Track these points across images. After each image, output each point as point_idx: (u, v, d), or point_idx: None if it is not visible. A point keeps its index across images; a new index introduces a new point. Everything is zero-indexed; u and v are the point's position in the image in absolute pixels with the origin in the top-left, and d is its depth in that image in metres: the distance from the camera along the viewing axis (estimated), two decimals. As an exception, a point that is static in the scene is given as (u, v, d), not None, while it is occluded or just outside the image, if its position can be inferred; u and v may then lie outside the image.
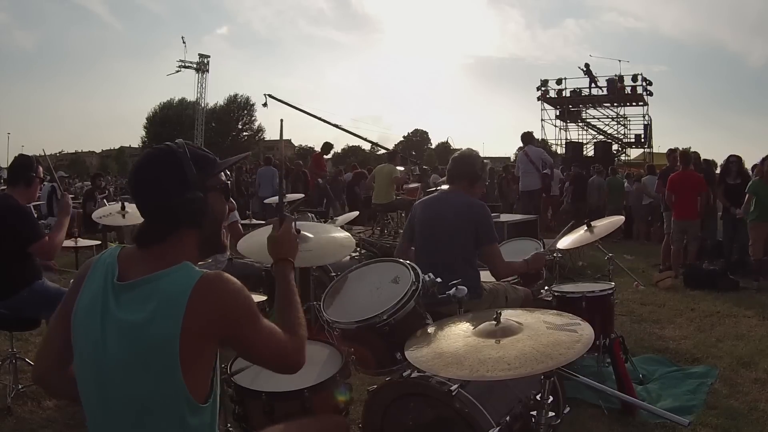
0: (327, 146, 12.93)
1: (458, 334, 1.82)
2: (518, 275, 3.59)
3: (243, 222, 5.69)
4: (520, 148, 9.38)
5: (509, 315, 1.81)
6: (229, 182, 1.55)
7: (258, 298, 3.43)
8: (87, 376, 1.34)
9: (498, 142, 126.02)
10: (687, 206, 7.17)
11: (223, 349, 1.40)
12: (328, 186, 13.00)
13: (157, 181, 1.38)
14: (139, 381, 1.27)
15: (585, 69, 24.30)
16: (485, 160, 3.35)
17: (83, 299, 1.36)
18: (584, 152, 22.53)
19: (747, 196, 6.66)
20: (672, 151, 9.59)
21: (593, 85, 24.34)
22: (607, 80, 24.17)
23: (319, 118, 15.34)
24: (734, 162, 7.54)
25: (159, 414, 1.28)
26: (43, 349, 1.53)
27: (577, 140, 25.18)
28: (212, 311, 1.28)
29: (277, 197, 6.31)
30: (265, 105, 13.63)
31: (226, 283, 1.32)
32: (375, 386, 2.17)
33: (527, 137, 9.36)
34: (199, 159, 1.42)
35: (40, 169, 3.58)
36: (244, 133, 54.16)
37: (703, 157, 8.93)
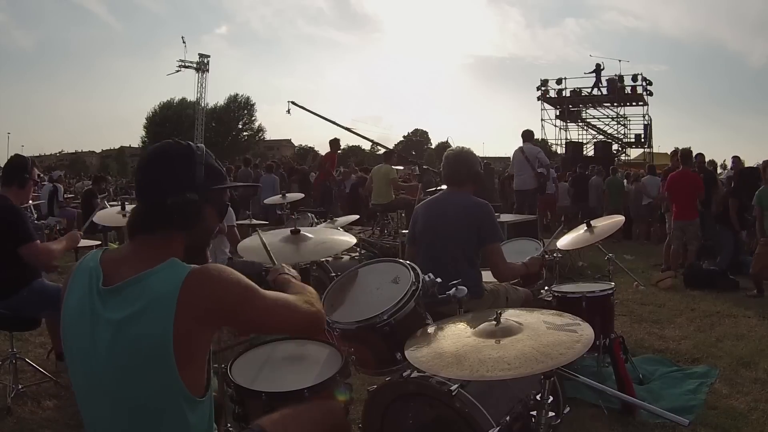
0: (336, 143, 12.57)
1: (458, 334, 1.82)
2: (518, 277, 3.59)
3: (242, 222, 5.68)
4: (518, 148, 9.11)
5: (509, 315, 1.81)
6: (229, 205, 1.56)
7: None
8: (81, 381, 1.34)
9: (498, 142, 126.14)
10: (685, 207, 7.13)
11: (220, 335, 1.41)
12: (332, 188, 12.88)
13: (164, 173, 1.41)
14: (135, 381, 1.26)
15: (596, 70, 24.20)
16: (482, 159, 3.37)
17: (69, 306, 1.36)
18: (584, 152, 22.53)
19: (754, 209, 6.21)
20: (676, 152, 9.56)
21: (599, 85, 24.31)
22: (607, 80, 24.17)
23: (342, 126, 15.33)
24: (743, 175, 7.31)
25: (158, 412, 1.28)
26: None
27: (577, 140, 25.18)
28: (207, 301, 1.28)
29: (278, 197, 6.30)
30: (288, 112, 13.61)
31: (216, 272, 1.32)
32: (375, 386, 2.17)
33: (526, 135, 9.25)
34: (211, 168, 1.46)
35: (35, 170, 3.57)
36: (245, 133, 54.11)
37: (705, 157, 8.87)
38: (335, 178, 13.01)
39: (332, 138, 12.48)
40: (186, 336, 1.25)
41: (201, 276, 1.30)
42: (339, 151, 13.07)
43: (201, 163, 1.43)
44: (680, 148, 7.98)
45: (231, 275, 1.34)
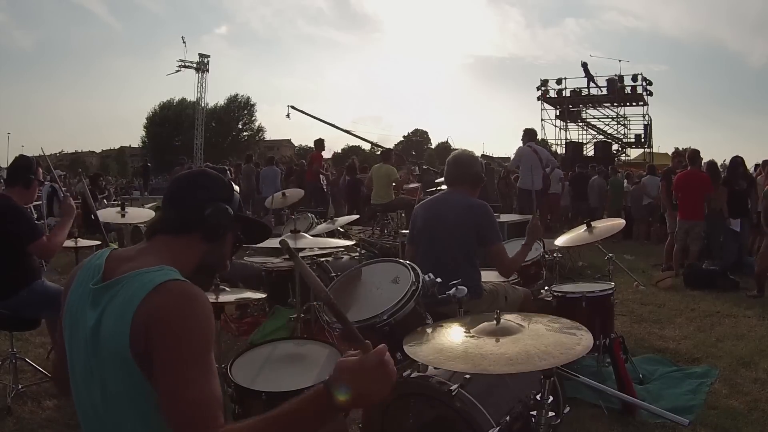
0: (321, 143, 12.74)
1: (458, 332, 1.82)
2: (520, 269, 3.59)
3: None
4: (527, 145, 8.61)
5: (509, 319, 1.82)
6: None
7: (258, 297, 3.43)
8: (76, 375, 1.34)
9: (498, 142, 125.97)
10: (692, 207, 7.13)
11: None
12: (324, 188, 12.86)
13: (209, 184, 1.48)
14: (113, 379, 1.24)
15: (583, 68, 24.31)
16: (482, 159, 3.37)
17: (70, 302, 1.36)
18: (584, 152, 22.54)
19: (765, 201, 6.23)
20: (677, 153, 9.51)
21: (591, 84, 24.33)
22: (607, 80, 24.16)
23: (342, 129, 15.37)
24: (740, 164, 7.31)
25: (134, 414, 1.25)
26: (56, 356, 1.56)
27: (577, 140, 25.19)
28: (152, 313, 1.18)
29: (278, 197, 6.29)
30: (288, 116, 13.62)
31: (185, 296, 1.22)
32: (375, 386, 2.17)
33: (532, 134, 9.00)
34: (240, 204, 1.54)
35: (40, 170, 3.58)
36: (245, 133, 54.05)
37: (703, 157, 8.84)
38: (327, 178, 12.98)
39: (317, 138, 12.56)
40: (140, 340, 1.19)
41: (171, 289, 1.22)
42: (324, 151, 13.13)
43: (236, 191, 1.52)
44: (680, 148, 7.98)
45: (202, 317, 1.21)
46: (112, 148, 64.58)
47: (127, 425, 1.27)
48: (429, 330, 1.94)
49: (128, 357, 1.20)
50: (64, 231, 3.49)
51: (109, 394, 1.27)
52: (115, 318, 1.23)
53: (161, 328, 1.17)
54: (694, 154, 7.41)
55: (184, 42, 42.94)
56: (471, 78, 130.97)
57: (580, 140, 25.43)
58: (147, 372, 1.21)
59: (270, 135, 56.66)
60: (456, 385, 1.88)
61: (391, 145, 22.53)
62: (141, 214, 4.88)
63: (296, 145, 63.03)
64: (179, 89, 78.14)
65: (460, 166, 3.24)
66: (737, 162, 7.34)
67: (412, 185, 11.00)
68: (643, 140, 24.65)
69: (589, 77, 24.19)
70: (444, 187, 3.45)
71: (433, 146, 65.16)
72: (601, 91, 24.56)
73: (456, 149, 3.51)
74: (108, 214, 4.96)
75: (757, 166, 9.42)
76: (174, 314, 1.19)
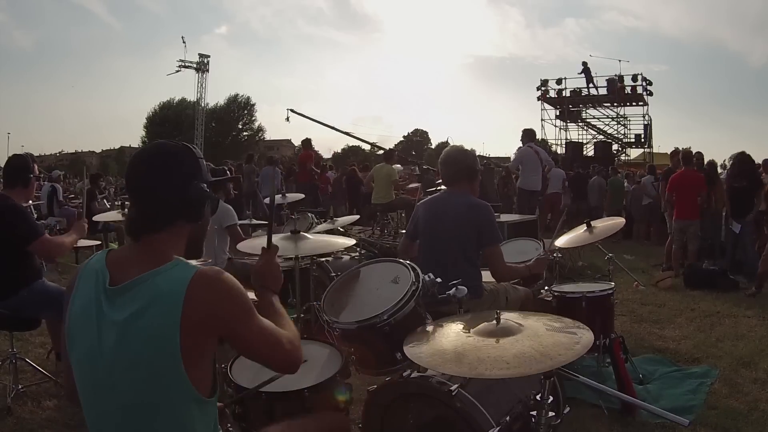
0: (308, 142, 12.76)
1: (458, 332, 1.82)
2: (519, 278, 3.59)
3: (243, 222, 5.68)
4: (527, 145, 8.70)
5: (509, 317, 1.82)
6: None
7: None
8: (87, 383, 1.34)
9: (498, 142, 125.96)
10: (686, 206, 7.16)
11: (222, 346, 1.40)
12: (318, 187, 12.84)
13: (176, 165, 1.42)
14: (142, 376, 1.26)
15: (583, 68, 24.27)
16: (475, 152, 3.36)
17: (75, 308, 1.36)
18: (584, 152, 22.52)
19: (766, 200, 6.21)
20: (676, 152, 9.52)
21: (591, 84, 24.31)
22: (606, 80, 24.14)
23: (341, 131, 15.41)
24: (744, 161, 7.24)
25: (165, 412, 1.28)
26: (64, 367, 1.51)
27: (577, 140, 25.18)
28: (208, 307, 1.29)
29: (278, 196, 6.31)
30: (287, 119, 13.65)
31: (221, 280, 1.33)
32: (375, 386, 2.17)
33: (532, 134, 9.03)
34: (205, 163, 1.51)
35: (36, 167, 3.58)
36: (245, 133, 54.08)
37: (699, 156, 8.80)
38: (320, 177, 12.96)
39: (304, 138, 12.58)
40: (192, 336, 1.26)
41: (208, 278, 1.31)
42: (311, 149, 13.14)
43: (201, 157, 1.48)
44: (681, 148, 7.95)
45: (238, 288, 1.35)
46: (112, 148, 64.55)
47: None
48: (429, 330, 1.94)
49: (174, 352, 1.25)
50: (69, 239, 3.51)
51: (131, 404, 1.28)
52: (153, 320, 1.26)
53: (225, 309, 1.31)
54: (688, 155, 7.47)
55: (184, 42, 43.19)
56: (471, 78, 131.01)
57: (580, 140, 25.41)
58: (188, 363, 1.26)
59: (270, 135, 56.71)
60: (456, 385, 1.88)
61: (391, 145, 22.55)
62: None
63: (296, 145, 62.96)
64: (179, 89, 78.30)
65: (451, 165, 3.22)
66: (741, 158, 7.22)
67: (412, 185, 10.99)
68: (643, 140, 24.62)
69: (589, 78, 24.16)
70: (444, 186, 3.44)
71: (433, 146, 65.08)
72: (598, 90, 24.52)
73: None
74: (108, 215, 4.97)
75: (758, 166, 9.38)
76: (225, 295, 1.31)
